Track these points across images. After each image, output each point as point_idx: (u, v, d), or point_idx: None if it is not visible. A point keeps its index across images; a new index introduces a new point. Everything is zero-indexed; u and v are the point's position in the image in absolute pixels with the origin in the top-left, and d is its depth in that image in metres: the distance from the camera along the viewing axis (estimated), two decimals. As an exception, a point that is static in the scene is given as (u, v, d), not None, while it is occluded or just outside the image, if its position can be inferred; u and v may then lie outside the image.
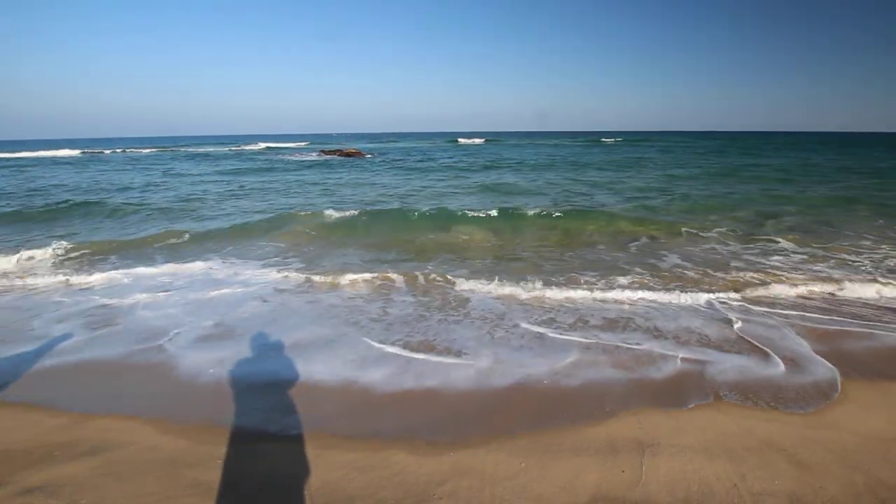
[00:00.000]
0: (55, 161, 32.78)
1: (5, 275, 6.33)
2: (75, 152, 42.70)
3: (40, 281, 6.02)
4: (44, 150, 46.04)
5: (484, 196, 13.99)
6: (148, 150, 46.53)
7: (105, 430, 2.99)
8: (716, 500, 2.35)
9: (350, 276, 5.94)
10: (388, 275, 6.06)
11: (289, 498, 2.39)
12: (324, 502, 2.35)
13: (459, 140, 62.80)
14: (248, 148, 50.80)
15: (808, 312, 4.78)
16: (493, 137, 79.27)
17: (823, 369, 3.65)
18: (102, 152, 43.81)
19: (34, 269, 6.71)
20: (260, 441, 2.86)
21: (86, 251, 7.59)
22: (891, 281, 5.59)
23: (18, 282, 6.00)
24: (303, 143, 59.68)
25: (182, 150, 48.30)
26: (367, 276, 6.00)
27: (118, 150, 46.78)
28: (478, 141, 61.90)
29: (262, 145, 54.81)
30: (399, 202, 12.59)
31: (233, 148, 50.29)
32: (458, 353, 3.97)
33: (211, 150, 47.55)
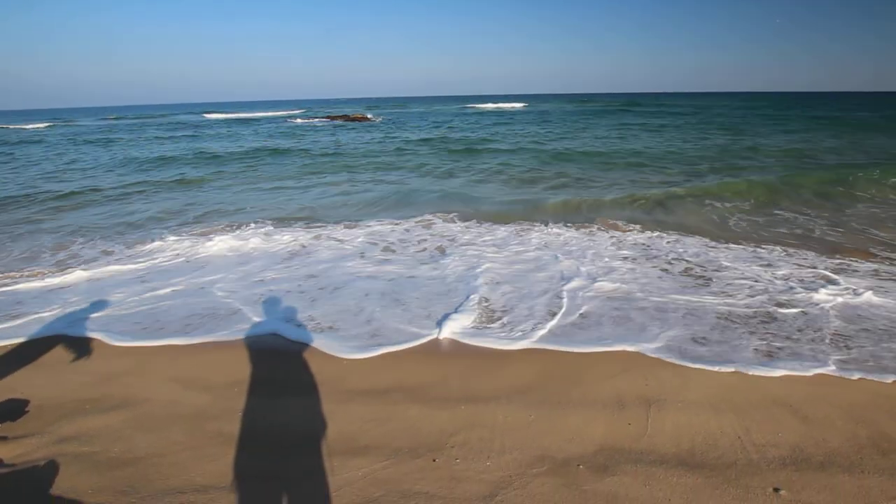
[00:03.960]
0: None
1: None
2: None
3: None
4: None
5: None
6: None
7: (130, 386, 3.13)
8: (720, 451, 2.42)
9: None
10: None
11: (306, 447, 2.51)
12: (340, 451, 2.46)
13: (471, 105, 60.31)
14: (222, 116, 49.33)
15: None
16: (515, 101, 75.08)
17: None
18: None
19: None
20: (279, 395, 2.98)
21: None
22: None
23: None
24: (300, 110, 58.37)
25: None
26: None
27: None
28: (516, 105, 58.07)
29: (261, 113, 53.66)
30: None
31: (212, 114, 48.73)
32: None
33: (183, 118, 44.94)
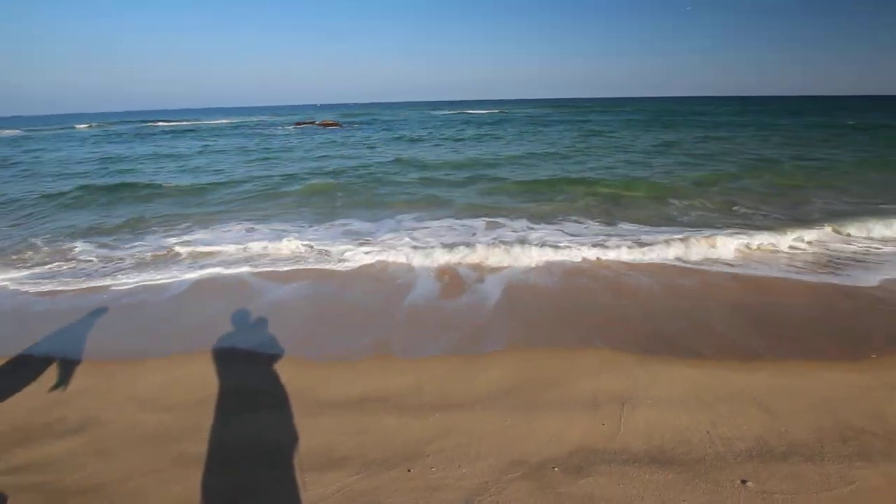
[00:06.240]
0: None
1: None
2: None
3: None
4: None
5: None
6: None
7: (88, 409, 2.97)
8: (689, 447, 2.47)
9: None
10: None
11: (277, 463, 2.43)
12: (313, 465, 2.40)
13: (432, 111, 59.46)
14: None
15: None
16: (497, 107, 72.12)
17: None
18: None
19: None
20: (246, 411, 2.88)
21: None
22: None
23: None
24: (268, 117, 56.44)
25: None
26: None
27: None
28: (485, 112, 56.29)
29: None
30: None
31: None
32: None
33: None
